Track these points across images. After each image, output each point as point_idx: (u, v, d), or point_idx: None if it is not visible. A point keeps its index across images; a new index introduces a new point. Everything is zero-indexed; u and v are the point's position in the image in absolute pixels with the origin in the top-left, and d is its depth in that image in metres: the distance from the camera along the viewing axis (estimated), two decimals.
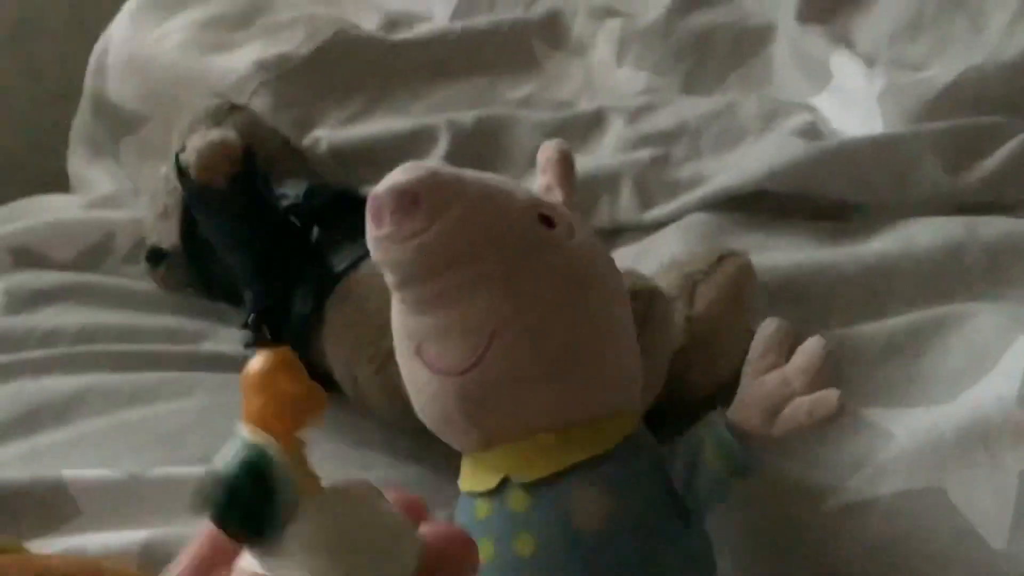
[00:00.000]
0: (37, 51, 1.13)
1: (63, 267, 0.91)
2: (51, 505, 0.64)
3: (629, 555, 0.47)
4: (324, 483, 0.30)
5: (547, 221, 0.49)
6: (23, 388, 0.76)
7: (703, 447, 0.49)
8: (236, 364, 0.77)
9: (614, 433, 0.48)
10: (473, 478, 0.50)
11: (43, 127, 1.06)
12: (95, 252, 0.92)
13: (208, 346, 0.81)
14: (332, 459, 0.68)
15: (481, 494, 0.49)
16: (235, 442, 0.28)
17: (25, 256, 0.90)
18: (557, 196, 0.53)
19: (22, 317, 0.84)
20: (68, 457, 0.70)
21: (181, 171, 0.66)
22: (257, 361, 0.29)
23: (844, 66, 0.87)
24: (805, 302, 0.69)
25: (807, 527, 0.56)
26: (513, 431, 0.48)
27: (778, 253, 0.71)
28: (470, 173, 0.49)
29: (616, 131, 0.86)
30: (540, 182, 0.54)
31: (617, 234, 0.81)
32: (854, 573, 0.54)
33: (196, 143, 0.65)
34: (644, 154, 0.82)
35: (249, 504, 0.27)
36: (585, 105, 0.90)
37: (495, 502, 0.48)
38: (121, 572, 0.54)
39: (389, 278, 0.49)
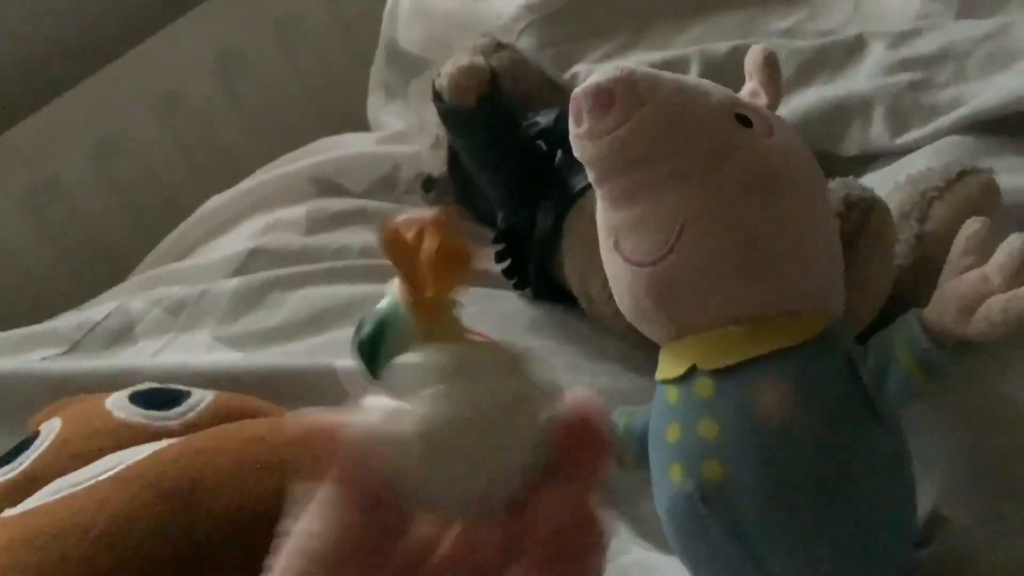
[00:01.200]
0: (349, 6, 1.26)
1: (358, 196, 1.02)
2: (324, 389, 0.74)
3: (810, 449, 0.47)
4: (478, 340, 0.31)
5: (744, 120, 0.50)
6: (314, 293, 0.87)
7: (895, 346, 0.48)
8: (492, 280, 0.84)
9: (803, 329, 0.49)
10: (666, 366, 0.52)
11: (353, 75, 1.19)
12: (385, 182, 1.03)
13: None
14: (567, 368, 0.74)
15: (672, 380, 0.51)
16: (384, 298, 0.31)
17: (326, 185, 1.02)
18: (762, 100, 0.54)
19: (319, 236, 0.96)
20: (344, 352, 0.80)
21: (436, 95, 0.73)
22: (400, 222, 0.30)
23: None
24: None
25: None
26: (703, 321, 0.50)
27: None
28: (668, 74, 0.51)
29: (876, 57, 0.83)
30: (747, 87, 0.55)
31: (870, 161, 0.79)
32: None
33: (448, 68, 0.71)
34: (902, 78, 0.79)
35: (368, 344, 0.30)
36: (848, 32, 0.88)
37: (683, 388, 0.50)
38: None
39: (590, 175, 0.52)
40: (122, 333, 0.88)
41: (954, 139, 0.72)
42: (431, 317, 0.31)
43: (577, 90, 0.50)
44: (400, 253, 0.30)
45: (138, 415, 0.64)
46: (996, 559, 0.53)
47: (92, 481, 0.56)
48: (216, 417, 0.65)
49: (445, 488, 0.28)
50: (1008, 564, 0.53)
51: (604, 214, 0.53)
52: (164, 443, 0.59)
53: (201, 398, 0.66)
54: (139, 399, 0.66)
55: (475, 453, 0.28)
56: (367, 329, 0.30)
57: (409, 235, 0.30)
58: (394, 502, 0.28)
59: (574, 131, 0.51)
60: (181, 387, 0.68)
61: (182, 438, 0.60)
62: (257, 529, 0.49)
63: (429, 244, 0.31)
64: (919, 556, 0.54)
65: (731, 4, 0.96)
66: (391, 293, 0.31)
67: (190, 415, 0.65)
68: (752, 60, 0.55)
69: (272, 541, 0.30)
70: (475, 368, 0.29)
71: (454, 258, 0.31)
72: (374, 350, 0.30)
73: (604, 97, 0.49)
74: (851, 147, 0.78)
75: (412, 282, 0.30)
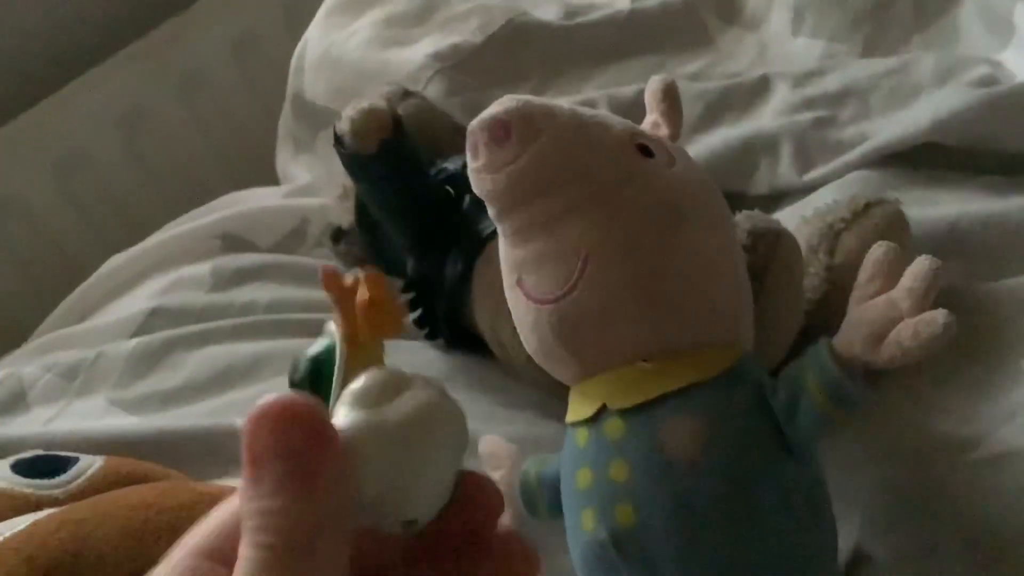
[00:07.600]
0: (254, 60, 1.23)
1: (265, 251, 0.99)
2: (225, 449, 0.71)
3: (721, 487, 0.45)
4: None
5: (644, 151, 0.49)
6: (217, 352, 0.83)
7: (806, 378, 0.46)
8: (403, 331, 0.81)
9: (712, 364, 0.47)
10: (575, 408, 0.50)
11: (261, 129, 1.16)
12: (293, 237, 1.00)
13: None
14: (482, 418, 0.72)
15: (581, 423, 0.49)
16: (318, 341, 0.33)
17: (232, 241, 0.99)
18: (664, 131, 0.53)
19: (225, 293, 0.92)
20: (247, 411, 0.76)
21: (338, 139, 0.71)
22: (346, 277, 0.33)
23: None
24: (972, 254, 0.64)
25: (948, 482, 0.53)
26: (610, 360, 0.48)
27: (943, 205, 0.67)
28: (566, 105, 0.50)
29: (781, 96, 0.83)
30: (648, 118, 0.54)
31: (779, 199, 0.79)
32: (996, 528, 0.50)
33: (349, 112, 0.69)
34: (807, 116, 0.79)
35: (305, 383, 0.33)
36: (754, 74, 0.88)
37: (593, 430, 0.48)
38: None
39: (490, 210, 0.50)
40: (13, 401, 0.84)
41: (860, 174, 0.73)
42: (364, 359, 0.32)
43: (473, 123, 0.48)
44: (340, 291, 0.33)
45: (20, 484, 0.60)
46: None
47: None
48: (106, 483, 0.61)
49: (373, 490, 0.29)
50: None
51: (506, 251, 0.51)
52: (44, 513, 0.55)
53: (89, 464, 0.62)
54: (22, 467, 0.62)
55: (400, 460, 0.29)
56: (303, 368, 0.33)
57: (348, 280, 0.33)
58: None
59: (472, 165, 0.49)
60: (69, 453, 0.64)
61: (65, 507, 0.56)
62: None
63: (362, 293, 0.33)
64: None
65: (638, 51, 0.97)
66: (328, 334, 0.33)
67: (77, 482, 0.61)
68: (652, 91, 0.54)
69: None
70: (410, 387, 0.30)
71: (386, 309, 0.33)
72: (312, 388, 0.32)
73: (499, 129, 0.47)
74: (760, 185, 0.78)
75: (350, 320, 0.33)
